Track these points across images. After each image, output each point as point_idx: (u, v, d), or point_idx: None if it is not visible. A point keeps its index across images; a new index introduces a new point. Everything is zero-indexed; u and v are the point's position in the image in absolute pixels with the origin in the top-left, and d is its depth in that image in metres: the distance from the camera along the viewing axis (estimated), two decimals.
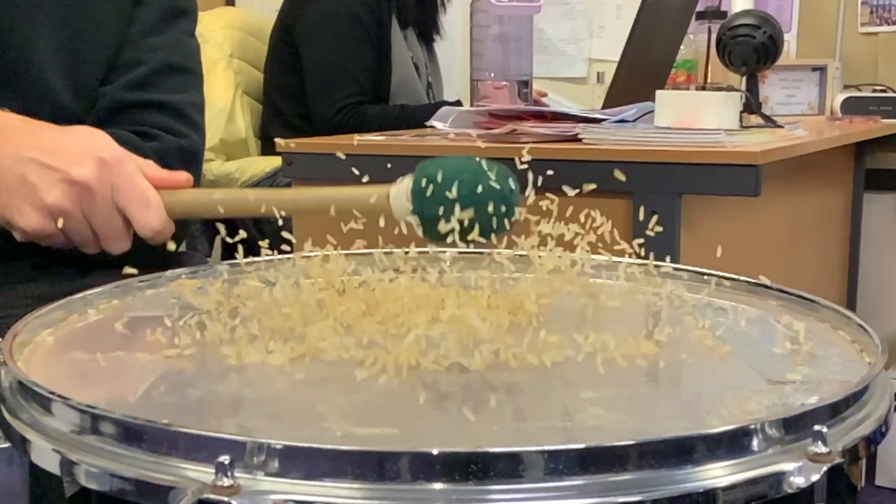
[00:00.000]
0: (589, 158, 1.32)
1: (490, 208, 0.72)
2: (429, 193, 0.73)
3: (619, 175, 0.94)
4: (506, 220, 0.73)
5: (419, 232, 0.75)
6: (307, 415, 0.55)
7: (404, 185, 0.75)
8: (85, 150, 0.83)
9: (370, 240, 0.82)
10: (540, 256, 0.77)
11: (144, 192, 0.82)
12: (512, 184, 0.73)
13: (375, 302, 0.71)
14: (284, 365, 0.61)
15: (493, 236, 0.74)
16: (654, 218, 0.96)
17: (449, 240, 0.73)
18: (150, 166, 0.85)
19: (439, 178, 0.72)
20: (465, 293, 0.71)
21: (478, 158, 0.74)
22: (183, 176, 0.85)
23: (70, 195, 0.82)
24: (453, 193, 0.72)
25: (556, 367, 0.61)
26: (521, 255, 0.80)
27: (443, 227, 0.73)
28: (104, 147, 0.84)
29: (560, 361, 0.61)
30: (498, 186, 0.72)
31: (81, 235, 0.84)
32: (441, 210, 0.72)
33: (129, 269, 0.78)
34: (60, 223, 0.82)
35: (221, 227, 0.81)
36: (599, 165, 1.30)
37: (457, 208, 0.72)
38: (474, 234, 0.73)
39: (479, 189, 0.72)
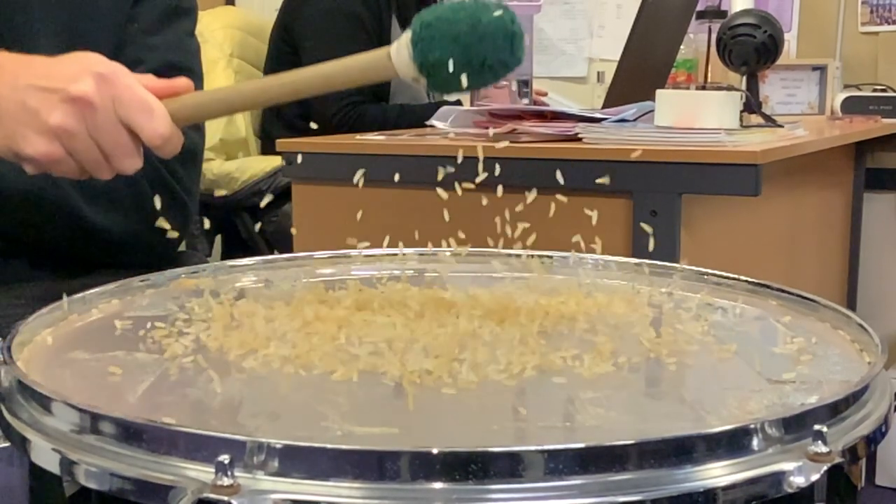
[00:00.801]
0: (589, 158, 1.32)
1: (495, 41, 0.68)
2: (429, 36, 0.69)
3: (603, 180, 0.94)
4: (512, 55, 0.70)
5: (426, 84, 0.71)
6: (307, 414, 0.55)
7: (404, 37, 0.71)
8: (80, 68, 0.81)
9: (372, 239, 0.82)
10: (540, 256, 0.77)
11: (146, 100, 0.80)
12: (513, 20, 0.70)
13: (376, 305, 0.70)
14: (284, 364, 0.61)
15: (500, 74, 0.71)
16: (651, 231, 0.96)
17: (461, 85, 0.70)
18: (149, 78, 0.83)
19: (437, 19, 0.69)
20: (467, 296, 0.71)
21: None
22: (182, 82, 0.84)
23: (72, 113, 0.80)
24: (454, 30, 0.68)
25: (555, 366, 0.61)
26: (518, 256, 0.80)
27: (448, 73, 0.69)
28: (99, 62, 0.82)
29: (559, 360, 0.61)
30: (500, 14, 0.68)
31: (90, 156, 0.81)
32: (444, 54, 0.69)
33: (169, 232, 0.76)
34: (67, 145, 0.81)
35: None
36: (599, 165, 1.30)
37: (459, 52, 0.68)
38: (482, 76, 0.69)
39: (481, 20, 0.68)
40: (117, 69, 0.82)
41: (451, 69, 0.69)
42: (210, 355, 0.63)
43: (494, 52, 0.69)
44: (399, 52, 0.71)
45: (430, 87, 0.71)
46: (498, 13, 0.69)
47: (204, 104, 0.83)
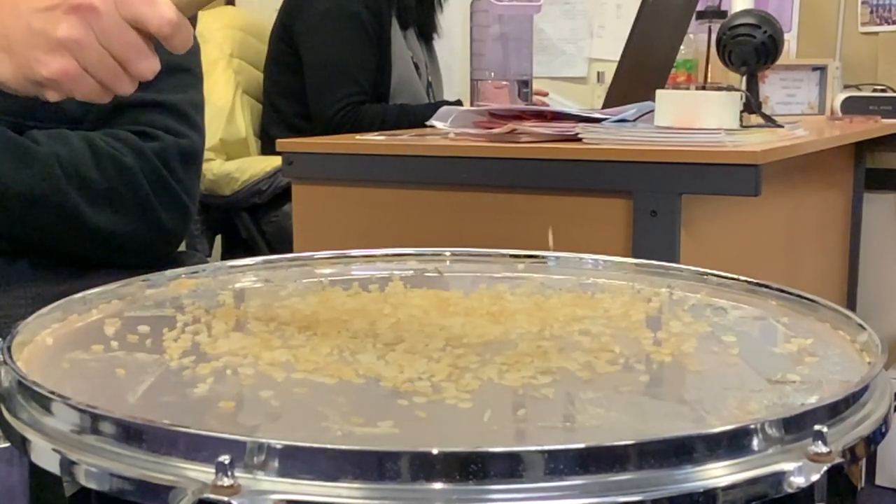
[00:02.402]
0: (589, 158, 1.32)
1: None
2: None
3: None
4: None
5: None
6: (307, 414, 0.55)
7: None
8: None
9: (372, 239, 0.82)
10: (540, 256, 0.77)
11: None
12: None
13: (376, 305, 0.70)
14: (284, 364, 0.61)
15: None
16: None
17: None
18: None
19: None
20: (466, 297, 0.71)
21: None
22: None
23: (78, 23, 0.80)
24: None
25: (555, 366, 0.61)
26: (516, 256, 0.80)
27: None
28: None
29: (558, 360, 0.61)
30: None
31: (105, 65, 0.80)
32: None
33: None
34: (79, 57, 0.80)
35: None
36: (599, 165, 1.30)
37: None
38: None
39: None
40: None
41: None
42: (210, 355, 0.63)
43: None
44: None
45: None
46: None
47: None
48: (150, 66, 0.81)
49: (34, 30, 0.80)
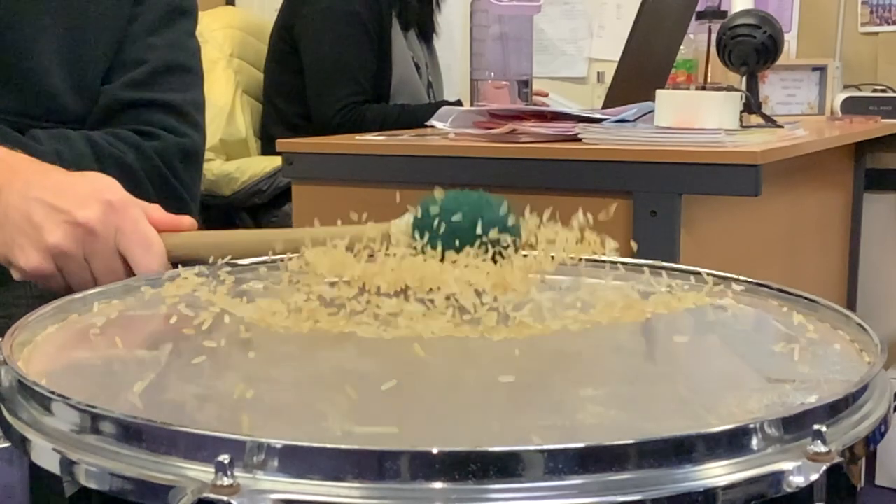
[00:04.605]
0: (589, 158, 1.32)
1: (492, 236, 0.73)
2: (431, 225, 0.73)
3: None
4: (510, 246, 0.74)
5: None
6: (307, 413, 0.55)
7: (404, 220, 0.76)
8: (92, 191, 0.83)
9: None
10: (535, 256, 0.77)
11: (147, 236, 0.82)
12: (511, 218, 0.74)
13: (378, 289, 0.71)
14: (284, 363, 0.61)
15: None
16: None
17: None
18: (156, 209, 0.85)
19: (438, 211, 0.73)
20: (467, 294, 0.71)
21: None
22: (187, 220, 0.86)
23: (73, 237, 0.81)
24: (455, 221, 0.73)
25: (555, 366, 0.61)
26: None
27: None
28: (111, 190, 0.84)
29: (558, 360, 0.61)
30: (500, 216, 0.73)
31: (80, 278, 0.83)
32: (446, 244, 0.73)
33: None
34: (60, 264, 0.82)
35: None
36: (599, 165, 1.30)
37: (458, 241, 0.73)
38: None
39: (483, 218, 0.73)
40: (127, 200, 0.84)
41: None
42: (210, 355, 0.63)
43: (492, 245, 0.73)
44: (399, 232, 0.76)
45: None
46: (500, 211, 0.74)
47: (201, 245, 0.85)
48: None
49: (32, 221, 0.82)
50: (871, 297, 2.50)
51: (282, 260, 0.81)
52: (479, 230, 0.73)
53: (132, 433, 0.48)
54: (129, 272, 0.83)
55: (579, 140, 1.40)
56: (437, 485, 0.43)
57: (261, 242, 0.83)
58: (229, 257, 0.81)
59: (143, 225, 0.83)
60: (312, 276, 0.75)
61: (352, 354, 0.63)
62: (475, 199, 0.75)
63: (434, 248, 0.74)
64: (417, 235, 0.74)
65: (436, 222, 0.74)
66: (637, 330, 0.69)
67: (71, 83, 1.09)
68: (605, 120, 1.46)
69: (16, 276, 0.85)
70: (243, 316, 0.69)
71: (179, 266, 0.80)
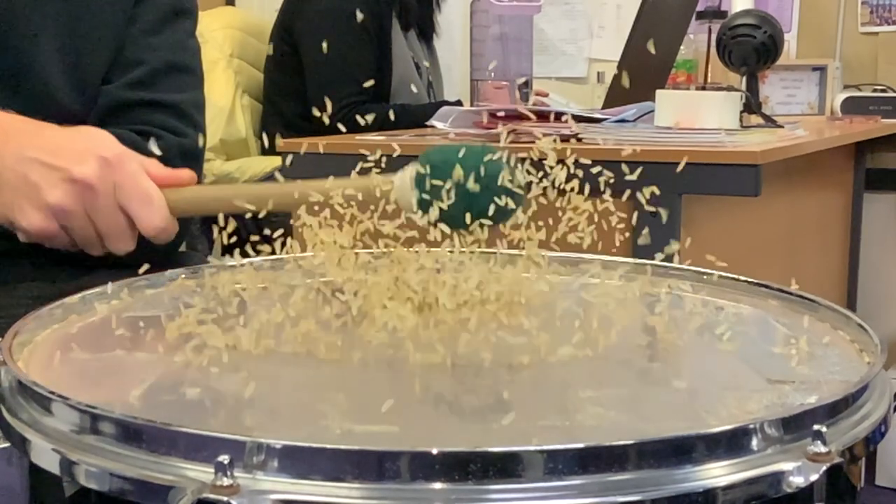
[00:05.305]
0: (589, 158, 1.32)
1: (498, 185, 0.72)
2: (431, 179, 0.73)
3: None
4: (514, 203, 0.73)
5: (424, 221, 0.74)
6: (306, 413, 0.55)
7: (407, 173, 0.75)
8: (87, 148, 0.83)
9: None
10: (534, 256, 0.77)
11: (147, 190, 0.82)
12: (514, 173, 0.74)
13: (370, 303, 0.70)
14: (283, 363, 0.61)
15: (503, 220, 0.74)
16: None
17: (461, 222, 0.72)
18: (154, 164, 0.85)
19: (441, 163, 0.72)
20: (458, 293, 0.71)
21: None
22: (186, 173, 0.85)
23: (72, 194, 0.81)
24: (457, 176, 0.72)
25: (555, 366, 0.61)
26: (518, 256, 0.79)
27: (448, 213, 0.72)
28: (107, 146, 0.84)
29: (559, 360, 0.61)
30: (503, 169, 0.73)
31: (85, 235, 0.83)
32: (446, 195, 0.72)
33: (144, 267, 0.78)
34: (63, 223, 0.82)
35: (220, 219, 0.81)
36: (599, 165, 1.30)
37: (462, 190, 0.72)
38: (483, 219, 0.72)
39: (483, 171, 0.72)
40: (123, 154, 0.83)
41: (450, 210, 0.72)
42: (209, 355, 0.63)
43: (497, 197, 0.73)
44: (402, 185, 0.76)
45: (430, 223, 0.74)
46: (499, 168, 0.74)
47: (203, 199, 0.85)
48: (126, 246, 0.84)
49: (29, 181, 0.81)
50: (871, 297, 2.50)
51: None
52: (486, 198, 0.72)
53: (132, 433, 0.48)
54: (134, 227, 0.82)
55: (579, 140, 1.40)
56: (437, 485, 0.43)
57: (260, 196, 0.82)
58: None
59: (141, 179, 0.82)
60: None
61: (353, 365, 0.63)
62: (476, 150, 0.74)
63: (442, 219, 0.72)
64: (418, 198, 0.73)
65: (443, 191, 0.72)
66: (637, 330, 0.69)
67: (71, 83, 1.09)
68: (605, 120, 1.46)
69: (21, 237, 0.84)
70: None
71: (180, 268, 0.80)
